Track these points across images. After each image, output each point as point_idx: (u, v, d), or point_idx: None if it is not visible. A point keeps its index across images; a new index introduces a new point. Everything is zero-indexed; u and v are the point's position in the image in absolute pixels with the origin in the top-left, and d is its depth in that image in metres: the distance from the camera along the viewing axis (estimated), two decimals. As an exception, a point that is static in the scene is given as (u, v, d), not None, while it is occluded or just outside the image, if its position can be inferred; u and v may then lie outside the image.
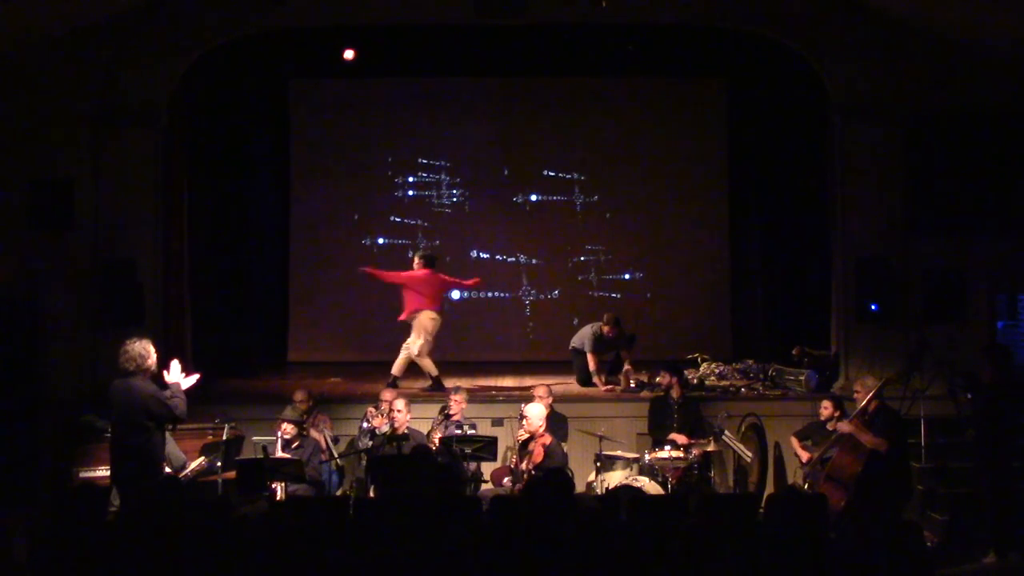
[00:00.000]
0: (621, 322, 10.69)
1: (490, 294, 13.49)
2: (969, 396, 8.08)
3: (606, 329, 10.56)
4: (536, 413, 8.43)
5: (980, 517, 7.93)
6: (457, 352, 13.03)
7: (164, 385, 7.06)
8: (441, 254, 13.27)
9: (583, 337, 10.74)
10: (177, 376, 7.05)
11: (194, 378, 7.21)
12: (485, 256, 13.49)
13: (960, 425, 8.68)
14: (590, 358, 10.58)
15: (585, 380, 10.69)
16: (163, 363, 7.21)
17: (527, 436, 8.38)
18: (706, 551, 4.79)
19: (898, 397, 8.46)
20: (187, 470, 7.99)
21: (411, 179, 13.48)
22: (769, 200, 12.77)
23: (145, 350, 6.92)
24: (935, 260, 10.19)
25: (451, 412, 9.01)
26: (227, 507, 5.47)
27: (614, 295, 13.21)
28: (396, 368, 10.33)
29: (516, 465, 8.37)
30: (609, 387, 10.53)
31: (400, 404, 8.66)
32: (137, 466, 6.84)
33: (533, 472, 8.02)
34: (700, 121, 13.33)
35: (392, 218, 13.48)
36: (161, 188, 10.38)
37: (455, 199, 13.52)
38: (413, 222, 13.48)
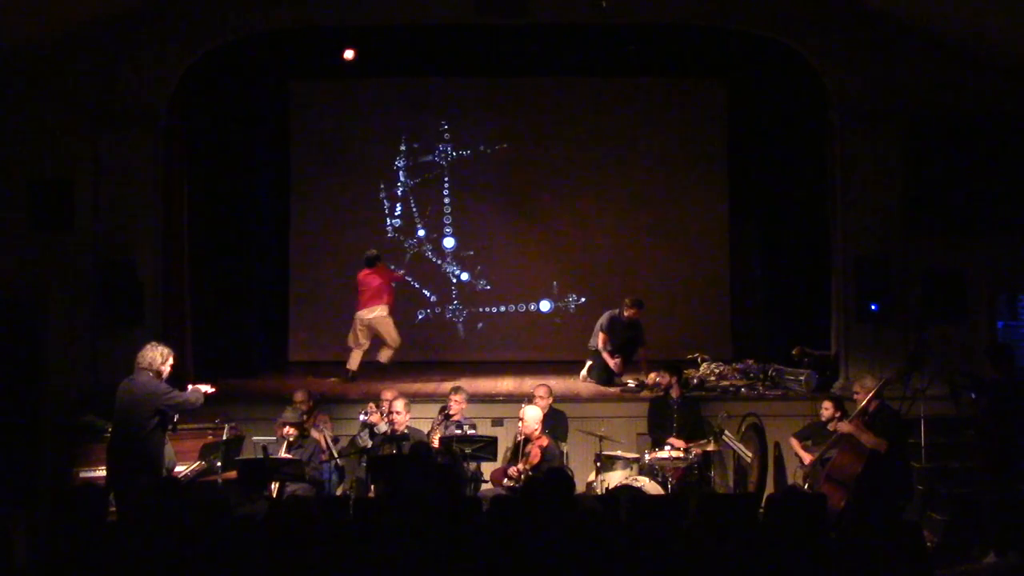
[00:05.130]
0: (643, 306, 10.74)
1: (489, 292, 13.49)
2: (972, 396, 8.08)
3: (628, 311, 10.59)
4: (531, 416, 8.44)
5: (980, 517, 7.93)
6: (457, 352, 13.06)
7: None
8: (441, 254, 13.31)
9: (598, 323, 10.79)
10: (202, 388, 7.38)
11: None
12: (484, 256, 13.48)
13: (960, 425, 8.67)
14: (600, 337, 10.59)
15: (606, 379, 10.67)
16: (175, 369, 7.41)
17: (523, 438, 8.39)
18: (706, 551, 4.79)
19: (898, 397, 8.46)
20: (186, 471, 7.98)
21: (411, 179, 13.47)
22: (769, 200, 12.76)
23: (162, 355, 7.18)
24: (935, 260, 10.18)
25: (451, 412, 9.00)
26: (227, 507, 5.46)
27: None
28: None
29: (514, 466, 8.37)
30: (617, 361, 10.58)
31: (399, 405, 8.66)
32: (135, 466, 6.87)
33: (530, 474, 8.02)
34: (700, 121, 13.31)
35: (392, 218, 13.48)
36: (161, 188, 10.39)
37: (455, 199, 13.51)
38: (413, 222, 13.48)
